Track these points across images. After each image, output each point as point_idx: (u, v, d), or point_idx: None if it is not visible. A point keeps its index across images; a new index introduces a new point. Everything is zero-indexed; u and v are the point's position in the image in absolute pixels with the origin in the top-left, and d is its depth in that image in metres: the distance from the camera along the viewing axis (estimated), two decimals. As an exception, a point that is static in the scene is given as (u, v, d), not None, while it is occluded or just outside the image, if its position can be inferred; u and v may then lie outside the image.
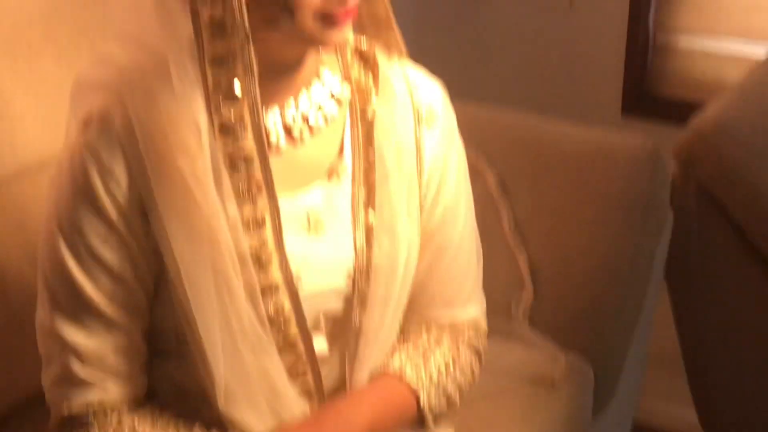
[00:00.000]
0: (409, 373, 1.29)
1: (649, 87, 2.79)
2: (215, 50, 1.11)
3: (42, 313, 1.18)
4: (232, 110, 1.14)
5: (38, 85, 1.62)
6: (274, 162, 1.19)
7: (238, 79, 1.13)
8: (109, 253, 1.15)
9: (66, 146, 1.20)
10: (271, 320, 1.20)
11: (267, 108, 1.20)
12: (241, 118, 1.14)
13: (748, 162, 1.86)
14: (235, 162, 1.16)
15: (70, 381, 1.16)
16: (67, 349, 1.16)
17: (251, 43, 1.11)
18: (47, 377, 1.19)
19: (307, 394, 1.25)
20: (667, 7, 2.77)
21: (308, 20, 1.11)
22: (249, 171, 1.16)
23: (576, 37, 2.84)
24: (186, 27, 1.11)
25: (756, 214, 1.87)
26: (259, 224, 1.18)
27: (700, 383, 2.05)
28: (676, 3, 2.76)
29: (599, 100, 2.81)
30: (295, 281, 1.21)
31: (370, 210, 1.27)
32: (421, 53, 1.40)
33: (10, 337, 1.52)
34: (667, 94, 2.78)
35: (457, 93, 1.41)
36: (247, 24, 1.09)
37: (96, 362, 1.17)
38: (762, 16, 2.63)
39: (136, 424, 1.18)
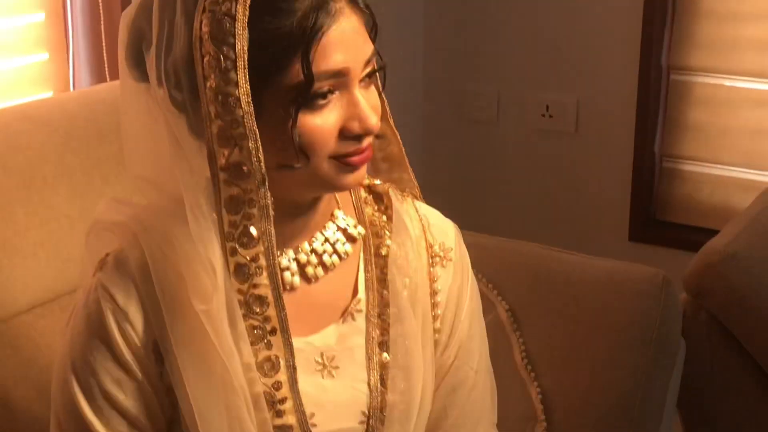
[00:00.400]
0: None
1: (656, 212, 2.89)
2: (231, 193, 1.12)
3: None
4: (247, 253, 1.14)
5: (51, 218, 1.61)
6: (288, 300, 1.19)
7: (254, 221, 1.13)
8: (121, 395, 1.15)
9: (81, 286, 1.20)
10: None
11: (282, 249, 1.21)
12: (257, 261, 1.14)
13: (758, 291, 1.86)
14: (249, 304, 1.15)
15: None
16: None
17: (267, 186, 1.12)
18: None
19: None
20: (673, 136, 2.87)
21: (323, 164, 1.13)
22: (264, 312, 1.16)
23: (582, 162, 2.94)
24: (203, 170, 1.12)
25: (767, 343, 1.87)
26: (273, 366, 1.17)
27: None
28: (682, 130, 2.84)
29: (607, 224, 2.91)
30: (308, 423, 1.20)
31: (385, 350, 1.28)
32: (430, 187, 1.41)
33: None
34: (674, 219, 2.88)
35: (466, 224, 1.42)
36: (263, 168, 1.10)
37: None
38: (766, 144, 2.71)
39: None
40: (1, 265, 1.56)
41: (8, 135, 1.64)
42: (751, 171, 2.78)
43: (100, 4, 2.11)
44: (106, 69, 2.12)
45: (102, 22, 2.12)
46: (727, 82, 2.82)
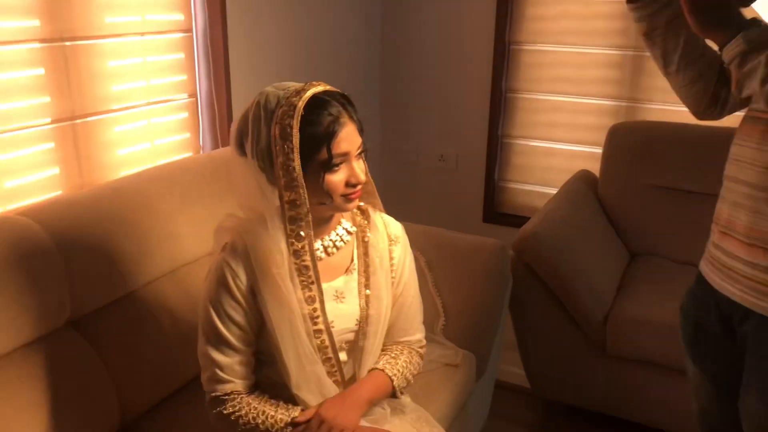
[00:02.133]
0: (388, 369, 1.28)
1: (498, 208, 2.88)
2: (291, 215, 1.13)
3: (200, 343, 1.18)
4: (299, 243, 1.15)
5: (194, 218, 1.62)
6: (319, 266, 1.20)
7: (302, 228, 1.14)
8: (235, 314, 1.16)
9: (212, 260, 1.20)
10: (318, 348, 1.20)
11: (315, 239, 1.20)
12: (304, 248, 1.15)
13: (549, 252, 1.97)
14: (300, 269, 1.16)
15: (216, 380, 1.17)
16: (213, 363, 1.16)
17: (309, 211, 1.14)
18: (204, 377, 1.19)
19: (337, 383, 1.24)
20: (505, 171, 2.84)
21: (338, 199, 1.15)
22: (307, 274, 1.16)
23: (459, 186, 2.89)
24: (275, 201, 1.14)
25: (553, 277, 1.96)
26: (312, 300, 1.18)
27: (525, 354, 2.13)
28: (511, 169, 2.81)
29: (472, 215, 2.90)
30: (330, 327, 1.20)
31: (368, 288, 1.26)
32: (387, 200, 1.36)
33: (177, 349, 1.50)
34: (507, 211, 2.87)
35: (405, 218, 1.42)
36: (307, 203, 1.12)
37: (228, 370, 1.17)
38: (558, 173, 2.66)
39: (250, 400, 1.18)
40: (175, 236, 1.56)
41: (171, 176, 1.67)
42: (545, 187, 2.72)
43: (216, 107, 2.07)
44: (219, 142, 2.10)
45: (217, 116, 2.08)
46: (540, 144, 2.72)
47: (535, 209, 2.53)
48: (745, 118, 1.13)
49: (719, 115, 1.23)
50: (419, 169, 2.96)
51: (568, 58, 2.58)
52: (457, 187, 2.90)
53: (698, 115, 1.25)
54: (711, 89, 1.19)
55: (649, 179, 2.31)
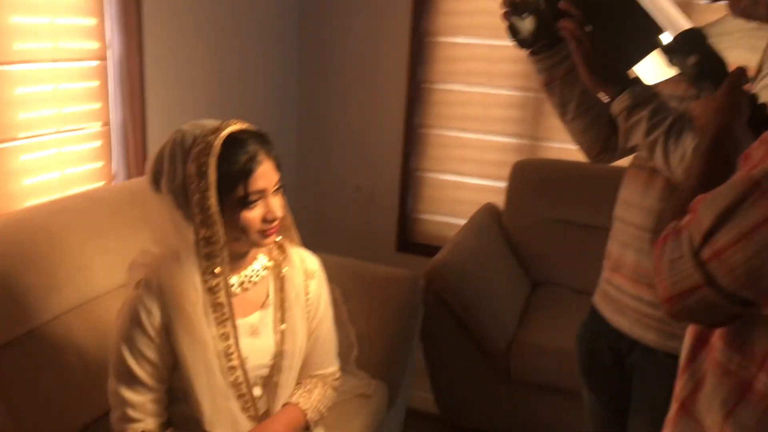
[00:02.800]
0: (302, 402, 1.28)
1: (411, 238, 2.92)
2: (206, 251, 1.12)
3: (111, 382, 1.16)
4: (213, 281, 1.14)
5: (106, 249, 1.57)
6: (235, 301, 1.19)
7: (217, 265, 1.13)
8: (148, 351, 1.14)
9: (126, 297, 1.19)
10: (232, 384, 1.19)
11: (230, 275, 1.19)
12: (219, 285, 1.14)
13: (457, 281, 2.03)
14: (215, 306, 1.15)
15: (127, 419, 1.15)
16: (125, 402, 1.14)
17: (225, 248, 1.13)
18: (113, 416, 1.16)
19: (251, 418, 1.22)
20: (419, 202, 2.88)
21: (254, 235, 1.15)
22: (222, 311, 1.15)
23: (374, 215, 2.91)
24: (190, 237, 1.12)
25: (461, 305, 2.01)
26: (227, 336, 1.17)
27: (435, 381, 2.16)
28: (423, 201, 2.84)
29: (386, 245, 2.91)
30: (245, 363, 1.19)
31: (283, 323, 1.26)
32: (304, 236, 1.34)
33: (84, 387, 1.45)
34: (419, 241, 2.90)
35: (320, 248, 1.42)
36: (222, 239, 1.12)
37: (140, 408, 1.15)
38: (467, 205, 2.68)
39: None
40: (85, 269, 1.51)
41: (82, 206, 1.62)
42: (455, 219, 2.75)
43: (130, 137, 2.02)
44: (133, 171, 2.03)
45: (131, 146, 2.03)
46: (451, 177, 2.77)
47: (445, 239, 2.57)
48: (631, 165, 1.22)
49: (611, 160, 1.31)
50: (336, 199, 2.97)
51: (475, 98, 2.67)
52: (372, 217, 2.92)
53: (592, 159, 1.32)
54: (603, 137, 1.26)
55: (549, 213, 2.42)
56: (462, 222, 2.54)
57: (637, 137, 1.05)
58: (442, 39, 2.67)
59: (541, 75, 1.23)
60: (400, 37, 2.67)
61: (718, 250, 0.60)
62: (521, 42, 1.15)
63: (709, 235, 0.61)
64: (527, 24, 1.11)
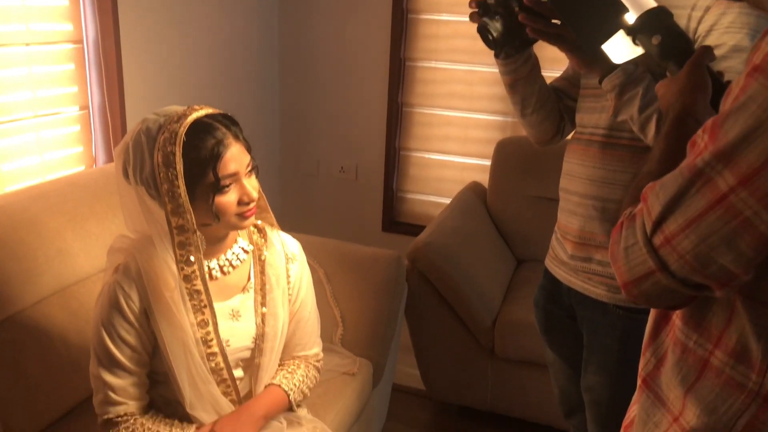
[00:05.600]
0: (284, 384, 1.29)
1: (396, 217, 2.90)
2: (180, 239, 1.12)
3: (92, 366, 1.17)
4: (189, 269, 1.14)
5: (86, 234, 1.57)
6: (213, 285, 1.19)
7: (192, 253, 1.12)
8: (128, 336, 1.15)
9: (105, 281, 1.19)
10: (212, 370, 1.20)
11: (210, 259, 1.21)
12: (194, 273, 1.14)
13: (440, 260, 2.02)
14: (192, 294, 1.15)
15: (109, 402, 1.16)
16: (106, 385, 1.15)
17: (198, 234, 1.13)
18: (96, 400, 1.17)
19: (232, 401, 1.23)
20: (403, 181, 2.84)
21: (231, 218, 1.15)
22: (199, 298, 1.15)
23: (359, 196, 2.88)
24: (165, 226, 1.12)
25: (446, 284, 2.02)
26: (205, 324, 1.17)
27: (420, 358, 2.17)
28: (408, 179, 2.82)
29: (371, 225, 2.90)
30: (225, 349, 1.20)
31: (264, 306, 1.26)
32: (284, 211, 1.38)
33: (66, 371, 1.46)
34: (403, 220, 2.89)
35: (302, 229, 1.50)
36: (195, 226, 1.11)
37: (121, 392, 1.16)
38: (452, 184, 2.70)
39: (144, 420, 1.17)
40: (65, 253, 1.50)
41: (61, 191, 1.60)
42: (439, 198, 2.76)
43: (110, 120, 1.98)
44: (113, 155, 1.80)
45: (111, 129, 1.99)
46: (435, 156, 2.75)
47: (430, 218, 2.60)
48: (574, 141, 1.30)
49: (557, 143, 1.42)
50: (320, 180, 2.96)
51: (459, 76, 2.63)
52: (357, 197, 2.91)
53: (542, 144, 1.41)
54: (556, 124, 1.36)
55: (533, 191, 2.42)
56: (447, 201, 2.54)
57: (629, 112, 1.08)
58: (425, 16, 2.63)
59: (507, 76, 1.29)
60: (382, 15, 2.64)
61: (668, 236, 0.62)
62: (491, 43, 1.17)
63: (659, 222, 0.62)
64: (497, 25, 1.13)
